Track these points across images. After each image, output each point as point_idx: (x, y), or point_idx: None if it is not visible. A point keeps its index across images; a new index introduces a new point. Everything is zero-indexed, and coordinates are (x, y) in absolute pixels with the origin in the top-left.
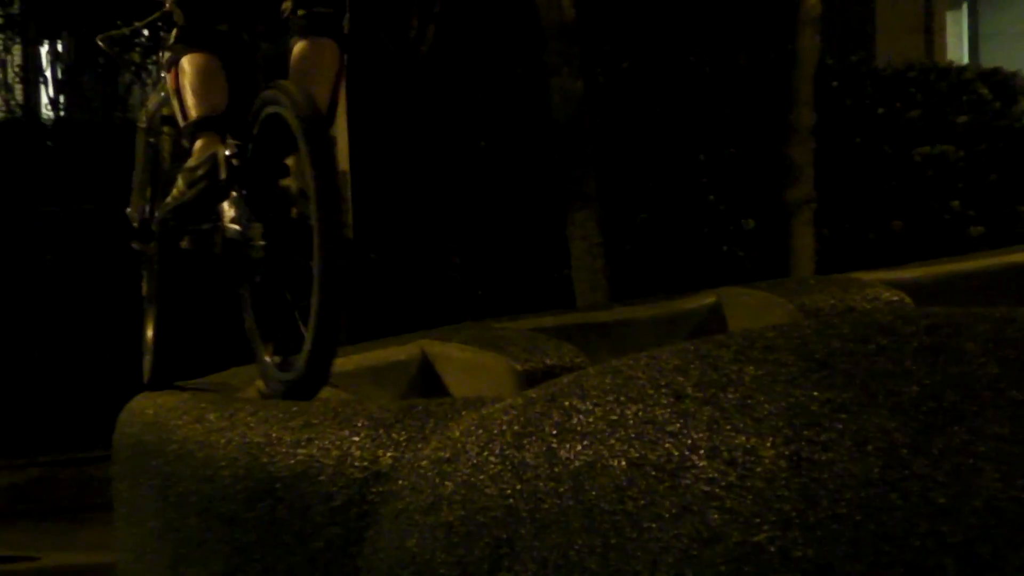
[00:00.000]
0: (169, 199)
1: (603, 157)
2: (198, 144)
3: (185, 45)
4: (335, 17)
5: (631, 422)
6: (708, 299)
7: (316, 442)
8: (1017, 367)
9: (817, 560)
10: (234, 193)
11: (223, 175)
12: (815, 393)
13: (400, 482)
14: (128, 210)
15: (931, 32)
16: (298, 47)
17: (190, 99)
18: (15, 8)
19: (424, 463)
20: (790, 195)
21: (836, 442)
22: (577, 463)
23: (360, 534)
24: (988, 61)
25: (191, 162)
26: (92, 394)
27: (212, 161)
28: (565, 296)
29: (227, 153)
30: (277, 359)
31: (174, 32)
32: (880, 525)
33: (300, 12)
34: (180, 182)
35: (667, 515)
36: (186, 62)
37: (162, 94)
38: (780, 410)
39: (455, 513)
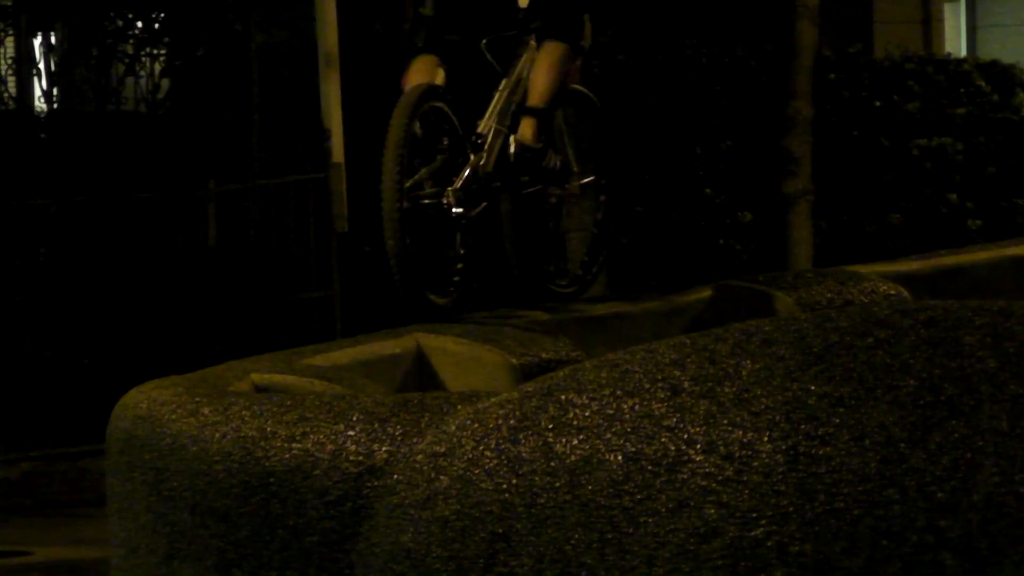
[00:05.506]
0: None
1: None
2: None
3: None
4: (564, 22)
5: (628, 416)
6: (705, 293)
7: (311, 436)
8: (1016, 361)
9: (815, 555)
10: None
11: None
12: (813, 387)
13: (395, 476)
14: None
15: (929, 24)
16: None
17: None
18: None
19: (419, 457)
20: (787, 188)
21: (834, 436)
22: (573, 457)
23: (355, 529)
24: (986, 53)
25: None
26: (86, 388)
27: None
28: None
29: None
30: None
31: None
32: (878, 520)
33: (534, 24)
34: None
35: (664, 510)
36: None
37: None
38: (778, 404)
39: (450, 508)
